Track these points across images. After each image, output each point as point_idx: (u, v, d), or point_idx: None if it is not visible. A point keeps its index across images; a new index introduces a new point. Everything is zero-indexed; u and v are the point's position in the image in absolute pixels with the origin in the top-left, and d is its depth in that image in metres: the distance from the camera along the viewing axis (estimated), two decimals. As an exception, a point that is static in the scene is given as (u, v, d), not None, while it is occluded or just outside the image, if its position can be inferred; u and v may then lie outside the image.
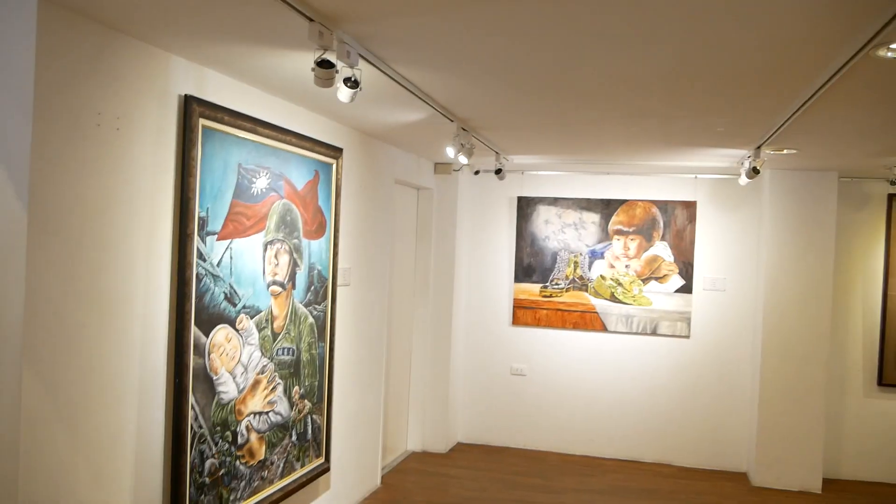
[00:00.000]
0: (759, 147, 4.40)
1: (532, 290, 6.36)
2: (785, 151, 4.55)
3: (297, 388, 3.80)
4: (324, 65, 2.33)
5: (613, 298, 6.20)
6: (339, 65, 2.39)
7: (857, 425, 5.80)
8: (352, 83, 2.53)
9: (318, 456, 4.08)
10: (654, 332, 6.12)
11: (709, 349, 6.02)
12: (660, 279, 6.13)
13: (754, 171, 4.48)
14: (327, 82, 2.38)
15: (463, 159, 4.17)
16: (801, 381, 5.52)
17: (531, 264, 6.36)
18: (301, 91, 3.33)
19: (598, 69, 2.76)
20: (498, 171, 5.24)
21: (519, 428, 6.39)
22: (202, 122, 2.87)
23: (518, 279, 6.39)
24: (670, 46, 2.44)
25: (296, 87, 3.27)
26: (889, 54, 2.39)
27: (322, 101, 3.54)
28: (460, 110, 3.66)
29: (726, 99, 3.21)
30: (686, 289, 6.06)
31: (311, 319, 3.91)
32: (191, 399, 2.89)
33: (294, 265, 3.70)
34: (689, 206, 6.04)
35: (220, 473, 3.13)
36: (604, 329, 6.22)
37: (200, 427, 2.97)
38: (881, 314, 5.77)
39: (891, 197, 5.72)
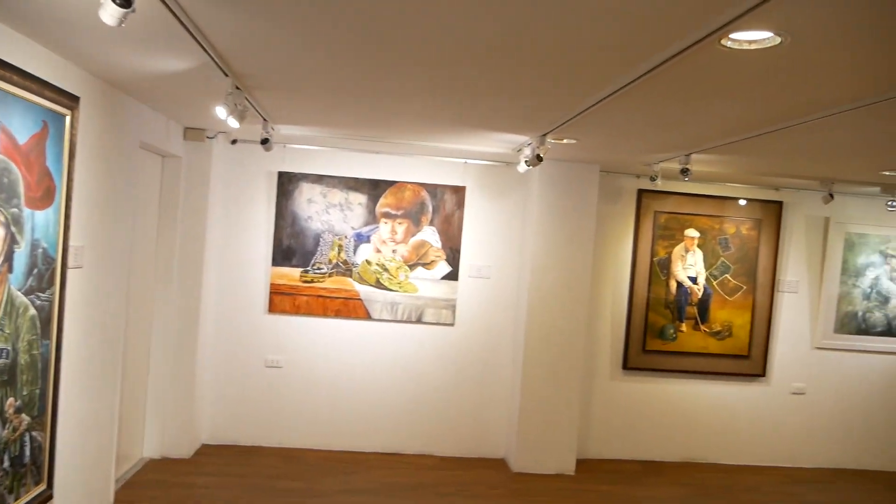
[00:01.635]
0: (545, 135, 4.33)
1: (292, 274, 5.83)
2: (565, 141, 4.53)
3: (11, 399, 2.95)
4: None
5: (379, 285, 5.89)
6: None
7: (604, 407, 6.11)
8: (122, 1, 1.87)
9: (38, 482, 3.24)
10: (419, 320, 5.92)
11: (472, 337, 5.96)
12: (427, 265, 5.93)
13: (538, 159, 4.40)
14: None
15: (234, 123, 3.54)
16: (560, 367, 5.65)
17: (291, 246, 5.82)
18: (31, 16, 2.52)
19: (418, 32, 2.37)
20: (264, 142, 4.65)
21: (274, 425, 5.84)
22: None
23: (276, 262, 5.81)
24: (500, 16, 2.12)
25: (23, 8, 2.46)
26: (730, 43, 2.30)
27: (57, 32, 2.74)
28: (240, 62, 3.06)
29: (539, 79, 3.00)
30: (452, 276, 5.93)
31: (32, 311, 3.06)
32: None
33: (12, 241, 2.85)
34: (459, 192, 5.91)
35: None
36: (368, 317, 5.88)
37: None
38: (627, 303, 6.12)
39: (640, 192, 6.06)
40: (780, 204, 6.21)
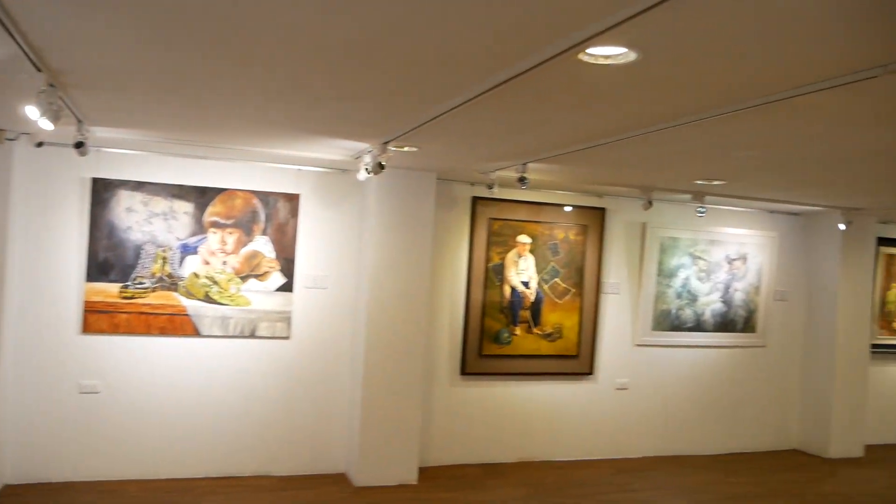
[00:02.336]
0: (387, 142, 4.25)
1: (110, 290, 5.32)
2: (406, 149, 4.48)
3: None
4: None
5: (208, 299, 5.53)
6: None
7: (444, 414, 6.13)
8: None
9: None
10: (252, 335, 5.62)
11: (309, 350, 5.76)
12: (260, 276, 5.65)
13: (380, 167, 4.32)
14: None
15: (47, 125, 3.16)
16: (401, 376, 5.60)
17: (108, 260, 5.32)
18: None
19: (256, 28, 2.21)
20: (79, 145, 4.19)
21: (91, 457, 5.29)
22: None
23: (91, 278, 5.28)
24: (352, 17, 2.03)
25: None
26: (587, 58, 2.34)
27: None
28: (57, 56, 2.71)
29: (389, 86, 2.91)
30: (287, 287, 5.70)
31: None
32: None
33: None
34: (293, 199, 5.69)
35: None
36: (196, 333, 5.50)
37: None
38: (464, 309, 6.18)
39: (475, 199, 6.15)
40: (603, 210, 6.55)
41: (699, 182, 5.30)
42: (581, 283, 6.53)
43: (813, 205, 6.61)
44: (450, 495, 5.41)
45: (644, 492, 5.76)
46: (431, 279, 5.86)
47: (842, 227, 6.70)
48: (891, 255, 7.74)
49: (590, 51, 2.29)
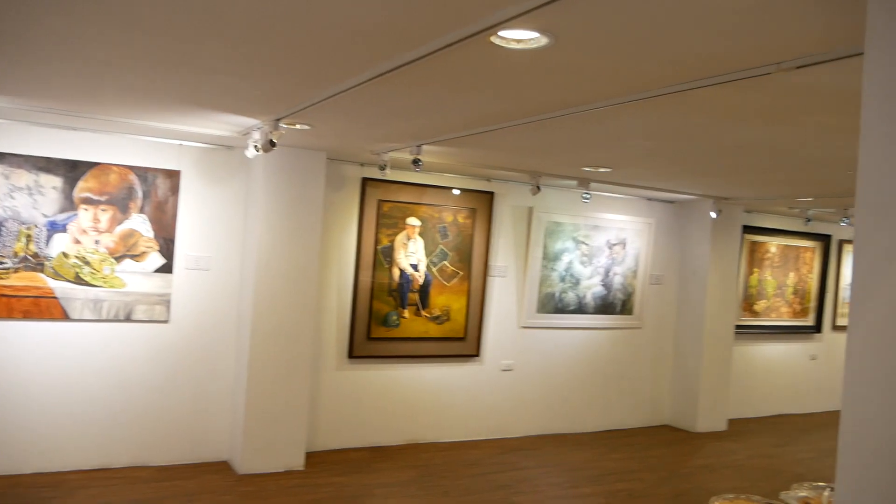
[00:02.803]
0: (279, 119, 4.09)
1: (-35, 270, 4.87)
2: (298, 127, 4.33)
3: None
4: None
5: (79, 280, 5.16)
6: None
7: (332, 398, 6.03)
8: None
9: None
10: (128, 318, 5.31)
11: (190, 334, 5.51)
12: (136, 257, 5.34)
13: (271, 144, 4.16)
14: None
15: None
16: (288, 360, 5.45)
17: (-37, 237, 4.86)
18: None
19: None
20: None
21: (-57, 452, 4.85)
22: None
23: (-57, 257, 4.81)
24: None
25: None
26: (498, 41, 2.31)
27: None
28: None
29: (288, 61, 2.79)
30: (167, 268, 5.41)
31: None
32: None
33: None
34: (173, 176, 5.39)
35: None
36: (66, 317, 5.13)
37: None
38: (352, 292, 6.09)
39: (364, 180, 6.05)
40: (491, 194, 6.61)
41: (587, 169, 5.44)
42: (469, 266, 6.58)
43: (688, 193, 6.95)
44: (338, 480, 5.33)
45: (530, 469, 5.90)
46: (320, 261, 5.72)
47: (714, 215, 7.08)
48: (754, 243, 8.27)
49: (502, 33, 2.27)
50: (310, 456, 5.68)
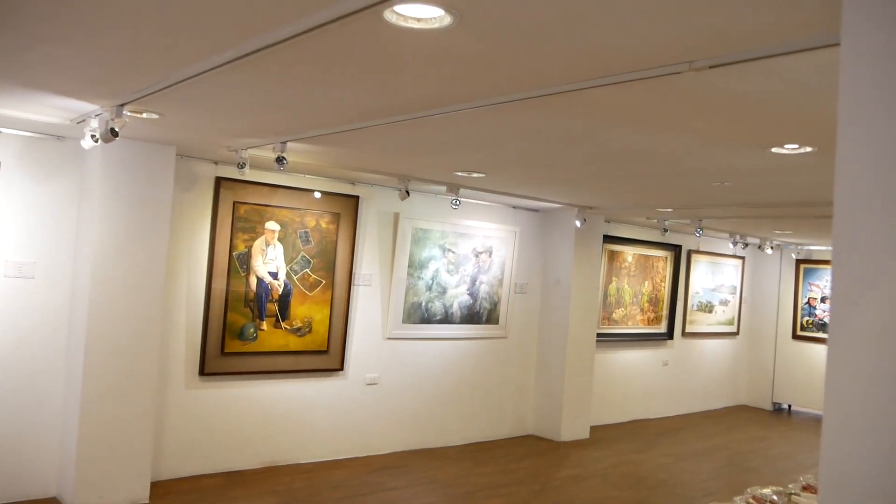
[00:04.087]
0: (123, 105, 3.56)
1: None
2: (145, 115, 3.81)
3: None
4: None
5: None
6: None
7: (180, 420, 5.44)
8: None
9: None
10: (-70, 335, 4.51)
11: (10, 351, 4.77)
12: (-58, 263, 4.55)
13: (112, 134, 3.62)
14: None
15: None
16: (129, 380, 4.83)
17: None
18: None
19: None
20: None
21: None
22: None
23: None
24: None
25: None
26: (394, 18, 2.01)
27: None
28: None
29: (136, 29, 2.35)
30: (-19, 276, 4.66)
31: None
32: None
33: None
34: (-10, 169, 4.66)
35: None
36: None
37: None
38: (205, 303, 5.54)
39: (219, 180, 5.53)
40: (357, 198, 6.27)
41: (460, 174, 5.23)
42: (332, 274, 6.19)
43: (554, 202, 6.92)
44: (187, 512, 4.79)
45: (399, 490, 5.59)
46: (167, 269, 5.14)
47: (579, 224, 7.10)
48: (612, 252, 8.42)
49: (399, 8, 1.97)
50: (156, 486, 5.08)
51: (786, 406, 10.52)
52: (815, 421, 9.75)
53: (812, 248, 10.18)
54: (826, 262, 9.93)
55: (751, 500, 2.84)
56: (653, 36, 2.04)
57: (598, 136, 3.56)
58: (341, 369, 6.28)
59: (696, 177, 4.63)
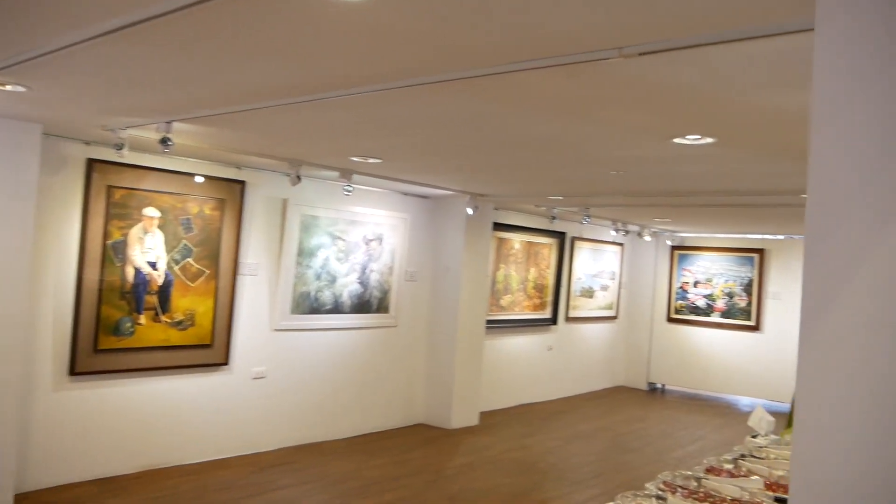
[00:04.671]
0: (-18, 75, 3.15)
1: None
2: (10, 88, 3.40)
3: None
4: None
5: None
6: None
7: (47, 425, 4.97)
8: None
9: None
10: None
11: None
12: None
13: (-30, 109, 3.20)
14: None
15: None
16: (-11, 384, 4.36)
17: None
18: None
19: None
20: None
21: None
22: None
23: None
24: None
25: None
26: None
27: None
28: None
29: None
30: None
31: None
32: None
33: None
34: None
35: None
36: None
37: None
38: (75, 295, 5.09)
39: (91, 162, 5.08)
40: (242, 184, 5.94)
41: (355, 159, 5.04)
42: (217, 263, 5.85)
43: (446, 189, 6.84)
44: (57, 525, 4.38)
45: (290, 488, 5.36)
46: (32, 259, 4.66)
47: (471, 211, 7.07)
48: (500, 239, 8.47)
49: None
50: (20, 499, 4.62)
51: (660, 386, 11.01)
52: (687, 399, 10.27)
53: (685, 234, 10.66)
54: (698, 248, 10.44)
55: (662, 486, 2.87)
56: (585, 17, 1.97)
57: (508, 123, 3.49)
58: (226, 364, 5.96)
59: (594, 166, 4.67)
